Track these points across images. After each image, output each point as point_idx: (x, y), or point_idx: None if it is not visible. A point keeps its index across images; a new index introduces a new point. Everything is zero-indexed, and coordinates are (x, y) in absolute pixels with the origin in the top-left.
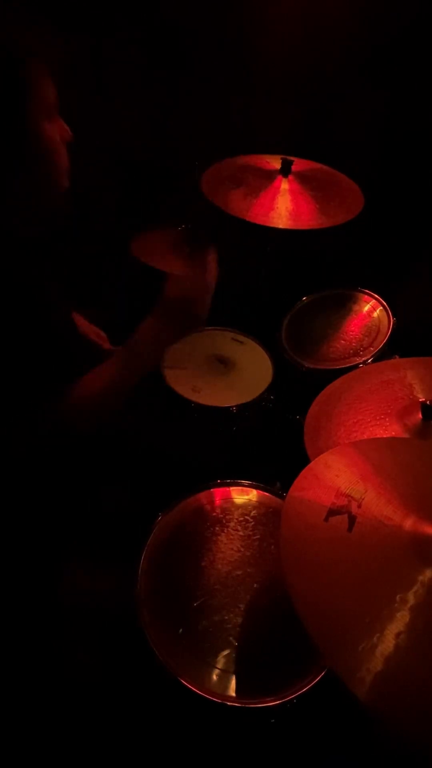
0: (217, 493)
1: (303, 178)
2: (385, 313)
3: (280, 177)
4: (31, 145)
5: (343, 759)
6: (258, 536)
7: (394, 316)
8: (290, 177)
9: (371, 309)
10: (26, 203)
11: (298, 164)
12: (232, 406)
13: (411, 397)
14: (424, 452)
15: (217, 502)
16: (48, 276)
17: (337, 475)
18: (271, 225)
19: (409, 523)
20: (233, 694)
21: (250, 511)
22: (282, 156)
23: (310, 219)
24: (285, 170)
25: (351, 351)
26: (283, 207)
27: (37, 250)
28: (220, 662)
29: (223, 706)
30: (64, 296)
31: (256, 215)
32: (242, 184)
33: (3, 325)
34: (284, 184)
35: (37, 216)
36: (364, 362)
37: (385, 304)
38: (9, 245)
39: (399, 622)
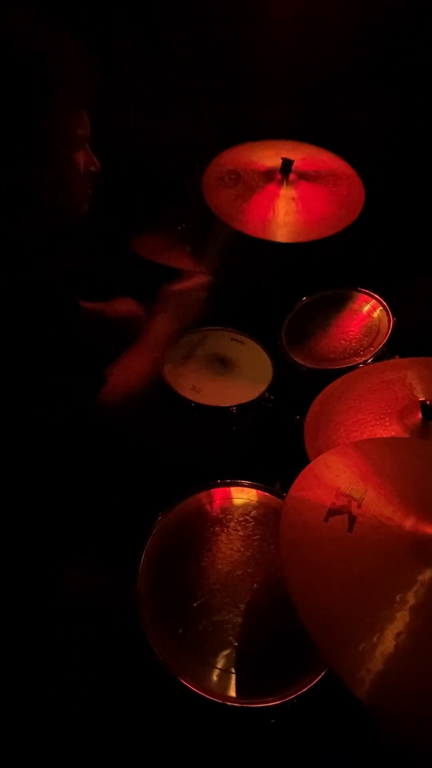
0: (217, 493)
1: (303, 178)
2: (385, 313)
3: (279, 179)
4: (47, 164)
5: (343, 758)
6: (258, 536)
7: (394, 316)
8: (291, 178)
9: (371, 309)
10: (41, 214)
11: (298, 162)
12: (232, 406)
13: (411, 397)
14: (424, 452)
15: (217, 502)
16: (55, 272)
17: (337, 475)
18: (270, 237)
19: (409, 523)
20: (233, 694)
21: (250, 511)
22: (283, 157)
23: (314, 230)
24: (285, 171)
25: (351, 351)
26: (282, 217)
27: (45, 248)
28: (220, 662)
29: (223, 706)
30: (72, 290)
31: (254, 227)
32: (240, 186)
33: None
34: (284, 191)
35: (50, 224)
36: (364, 362)
37: (385, 304)
38: (19, 245)
39: (399, 622)
